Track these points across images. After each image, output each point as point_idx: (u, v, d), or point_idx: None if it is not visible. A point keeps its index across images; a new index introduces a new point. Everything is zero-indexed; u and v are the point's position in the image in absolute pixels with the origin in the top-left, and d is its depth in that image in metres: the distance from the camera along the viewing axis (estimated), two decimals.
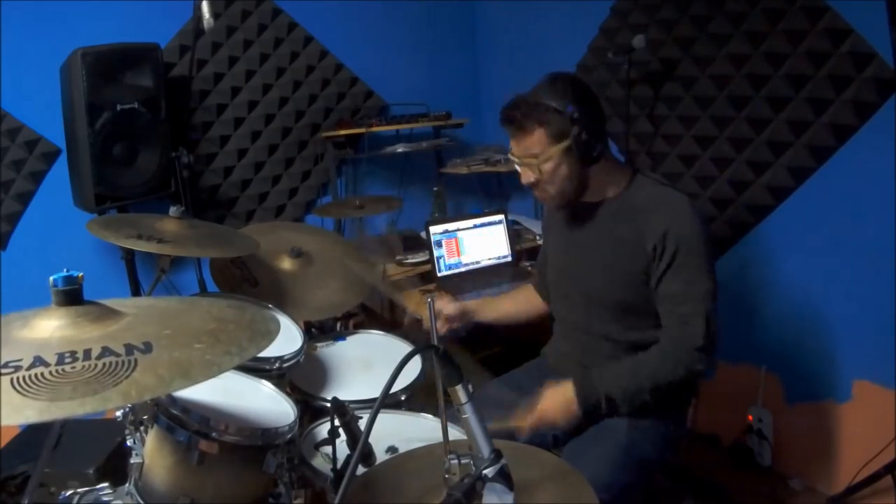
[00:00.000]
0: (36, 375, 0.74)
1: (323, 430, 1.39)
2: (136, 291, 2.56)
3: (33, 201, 2.54)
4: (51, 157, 2.54)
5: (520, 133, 1.51)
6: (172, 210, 1.85)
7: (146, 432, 1.20)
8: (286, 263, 2.11)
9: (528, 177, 1.56)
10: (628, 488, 1.46)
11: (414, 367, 1.83)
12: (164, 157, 2.46)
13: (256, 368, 1.53)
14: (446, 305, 1.84)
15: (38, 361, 0.77)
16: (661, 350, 1.50)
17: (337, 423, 1.22)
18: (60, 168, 2.52)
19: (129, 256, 2.53)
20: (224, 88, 2.86)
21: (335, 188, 3.16)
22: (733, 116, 2.38)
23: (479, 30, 3.59)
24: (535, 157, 1.51)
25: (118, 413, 1.26)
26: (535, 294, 1.95)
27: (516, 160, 1.57)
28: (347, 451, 1.24)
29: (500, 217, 2.78)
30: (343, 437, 1.23)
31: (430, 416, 1.62)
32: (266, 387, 1.48)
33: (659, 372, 1.47)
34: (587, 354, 1.64)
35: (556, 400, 1.48)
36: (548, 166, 1.51)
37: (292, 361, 1.64)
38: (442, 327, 1.82)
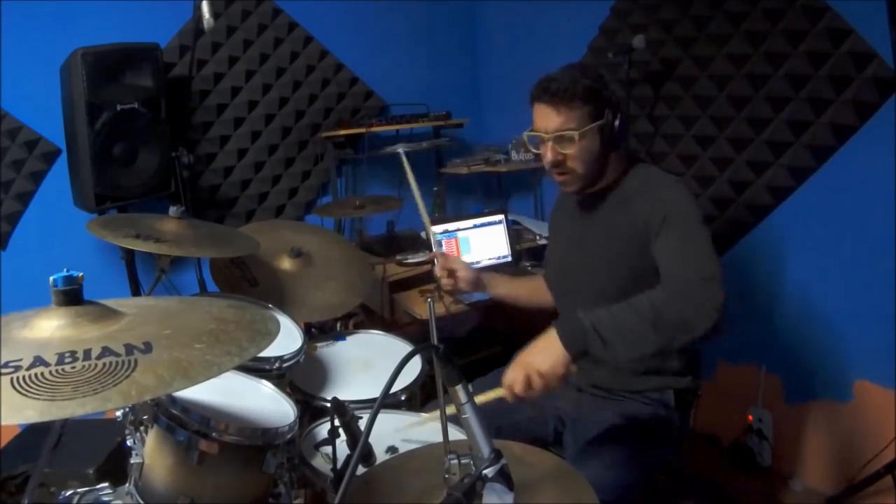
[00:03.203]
0: (36, 375, 0.74)
1: (323, 430, 1.39)
2: (136, 291, 2.56)
3: (33, 201, 2.54)
4: (51, 157, 2.54)
5: (561, 106, 1.50)
6: (172, 210, 1.85)
7: (146, 432, 1.20)
8: (286, 263, 2.11)
9: (556, 154, 1.54)
10: (631, 489, 1.46)
11: (414, 367, 1.83)
12: (164, 157, 2.46)
13: (256, 368, 1.53)
14: (462, 267, 1.80)
15: (39, 361, 0.77)
16: (663, 286, 1.36)
17: (337, 423, 1.22)
18: (60, 168, 2.52)
19: (129, 256, 2.53)
20: (224, 88, 2.86)
21: (335, 188, 3.16)
22: (733, 116, 2.38)
23: (479, 30, 3.59)
24: (571, 132, 1.50)
25: (118, 413, 1.25)
26: (545, 287, 1.94)
27: (545, 136, 1.53)
28: (347, 451, 1.24)
29: (500, 217, 2.78)
30: (343, 437, 1.23)
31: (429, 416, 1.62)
32: (266, 387, 1.48)
33: (661, 303, 1.28)
34: None
35: (538, 345, 1.29)
36: (583, 144, 1.51)
37: (292, 361, 1.64)
38: (452, 285, 1.78)
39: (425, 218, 1.84)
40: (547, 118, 1.52)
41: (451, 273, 1.80)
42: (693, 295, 1.29)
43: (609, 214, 1.59)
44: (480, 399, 1.27)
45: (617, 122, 1.53)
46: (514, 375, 1.27)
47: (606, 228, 1.59)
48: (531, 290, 1.94)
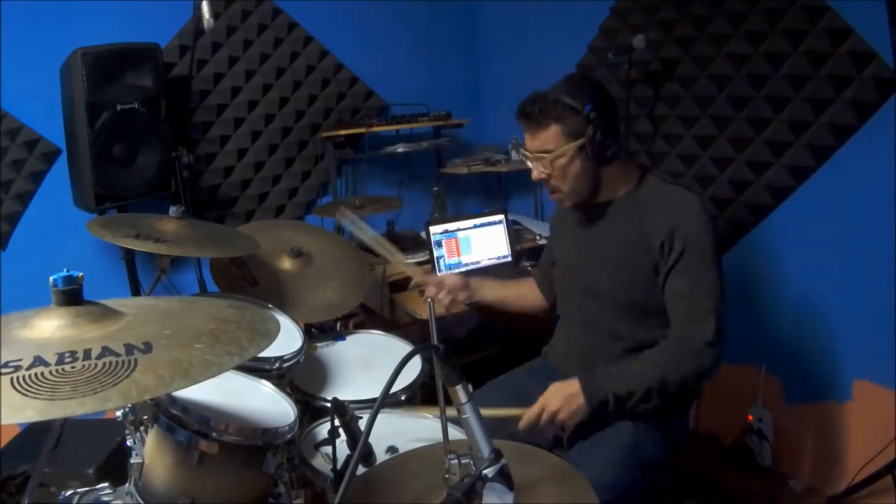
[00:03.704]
0: (36, 375, 0.74)
1: (323, 430, 1.40)
2: (136, 291, 2.56)
3: (33, 201, 2.54)
4: (51, 157, 2.54)
5: (535, 128, 1.53)
6: (172, 210, 1.85)
7: (146, 432, 1.20)
8: (286, 263, 2.11)
9: (539, 172, 1.57)
10: (631, 489, 1.46)
11: (414, 367, 1.83)
12: (164, 157, 2.46)
13: (256, 368, 1.53)
14: (449, 277, 1.87)
15: (39, 361, 0.77)
16: (669, 347, 1.50)
17: (337, 423, 1.22)
18: (60, 168, 2.52)
19: (129, 256, 2.53)
20: (224, 88, 2.86)
21: (335, 188, 3.16)
22: (733, 116, 2.38)
23: (479, 30, 3.59)
24: (549, 153, 1.52)
25: (118, 413, 1.26)
26: (536, 289, 1.95)
27: (529, 154, 1.57)
28: (347, 451, 1.24)
29: (500, 217, 2.78)
30: (343, 437, 1.23)
31: (430, 416, 1.62)
32: (266, 387, 1.48)
33: (667, 368, 1.46)
34: (593, 353, 1.64)
35: (561, 393, 1.47)
36: (560, 163, 1.52)
37: (292, 361, 1.64)
38: (444, 297, 1.83)
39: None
40: (528, 139, 1.57)
41: (441, 286, 1.84)
42: (694, 359, 1.47)
43: (619, 223, 1.59)
44: (489, 413, 1.42)
45: (599, 137, 1.48)
46: (533, 412, 1.47)
47: (616, 236, 1.59)
48: (519, 294, 1.97)
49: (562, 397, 1.46)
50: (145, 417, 1.20)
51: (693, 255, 1.47)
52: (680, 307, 1.50)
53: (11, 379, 0.73)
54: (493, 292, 1.95)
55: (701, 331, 1.45)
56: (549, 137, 1.51)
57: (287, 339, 1.72)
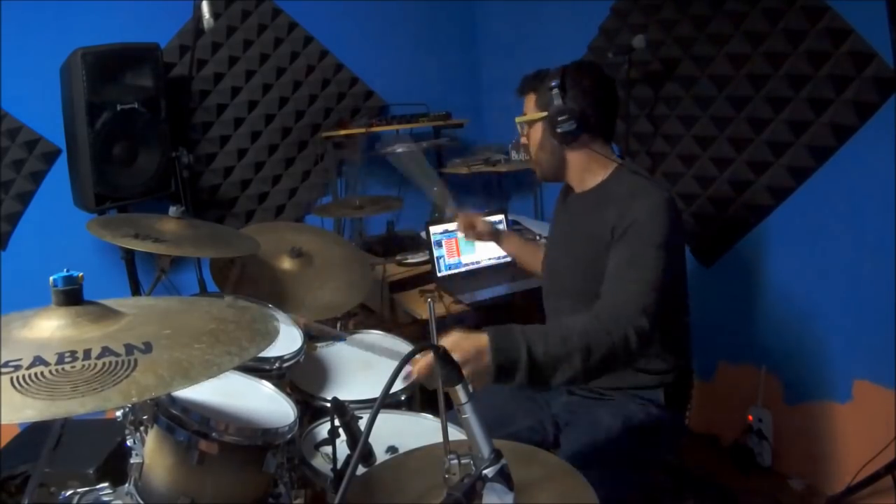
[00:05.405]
0: (36, 375, 0.74)
1: (323, 430, 1.39)
2: (136, 291, 2.57)
3: (33, 201, 2.55)
4: (51, 157, 2.55)
5: (521, 95, 1.68)
6: (172, 210, 1.85)
7: (146, 432, 1.20)
8: (286, 263, 2.11)
9: (521, 138, 1.71)
10: (626, 487, 1.45)
11: None
12: (164, 157, 2.47)
13: (256, 368, 1.53)
14: (479, 220, 2.06)
15: (38, 361, 0.77)
16: (595, 311, 1.38)
17: (337, 423, 1.22)
18: (60, 168, 2.52)
19: (129, 256, 2.53)
20: (224, 88, 2.86)
21: (335, 188, 3.16)
22: (733, 116, 2.38)
23: (479, 30, 3.59)
24: (520, 118, 1.65)
25: (118, 413, 1.25)
26: None
27: (517, 121, 1.70)
28: (347, 451, 1.24)
29: (500, 217, 2.78)
30: (343, 437, 1.23)
31: (430, 416, 1.62)
32: (266, 387, 1.48)
33: (591, 332, 1.29)
34: None
35: (465, 346, 1.16)
36: (528, 130, 1.65)
37: (292, 361, 1.64)
38: (475, 235, 2.05)
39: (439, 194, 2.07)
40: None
41: (472, 226, 2.03)
42: (620, 326, 1.30)
43: (589, 216, 1.58)
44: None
45: (563, 115, 1.51)
46: (425, 363, 1.13)
47: (585, 230, 1.58)
48: (534, 258, 1.99)
49: (465, 350, 1.14)
50: (145, 417, 1.20)
51: (636, 238, 1.42)
52: (610, 280, 1.42)
53: (11, 379, 0.73)
54: (511, 248, 2.11)
55: (627, 302, 1.35)
56: (527, 105, 1.66)
57: (287, 339, 1.71)
